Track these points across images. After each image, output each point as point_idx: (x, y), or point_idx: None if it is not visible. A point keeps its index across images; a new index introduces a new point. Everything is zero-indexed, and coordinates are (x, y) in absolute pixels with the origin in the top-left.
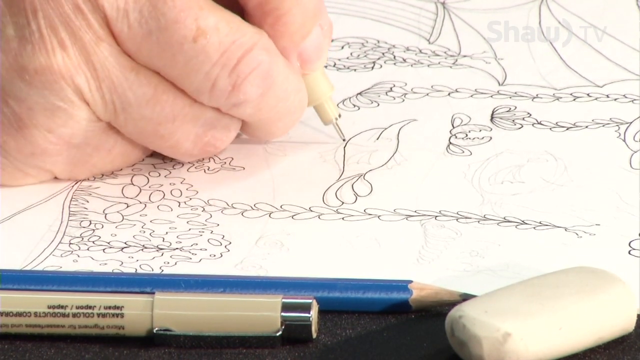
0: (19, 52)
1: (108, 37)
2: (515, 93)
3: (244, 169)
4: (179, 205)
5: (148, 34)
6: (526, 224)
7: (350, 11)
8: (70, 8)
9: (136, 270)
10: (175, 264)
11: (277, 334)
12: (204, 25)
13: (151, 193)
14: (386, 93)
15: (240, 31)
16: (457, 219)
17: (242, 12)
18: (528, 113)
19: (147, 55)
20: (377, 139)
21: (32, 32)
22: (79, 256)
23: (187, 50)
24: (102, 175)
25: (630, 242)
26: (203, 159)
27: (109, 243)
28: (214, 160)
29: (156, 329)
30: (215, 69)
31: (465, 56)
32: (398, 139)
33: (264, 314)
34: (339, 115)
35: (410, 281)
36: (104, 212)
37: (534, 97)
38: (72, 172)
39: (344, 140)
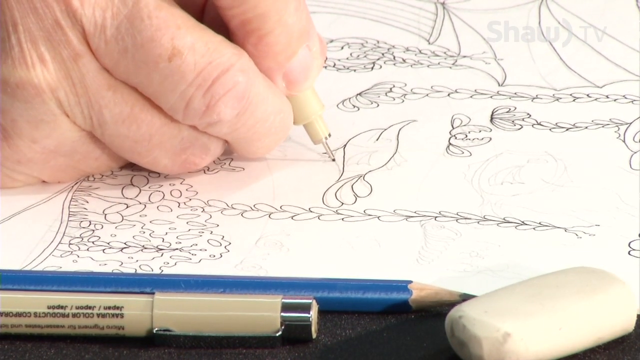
0: (0, 66)
1: (87, 53)
2: (515, 94)
3: (243, 169)
4: (178, 206)
5: (124, 51)
6: (526, 224)
7: (350, 11)
8: (50, 23)
9: (136, 270)
10: (175, 264)
11: (277, 334)
12: (180, 44)
13: (151, 194)
14: (386, 94)
15: (218, 52)
16: (456, 220)
17: (227, 31)
18: (528, 114)
19: (123, 72)
20: (377, 139)
21: (12, 46)
22: (78, 256)
23: (163, 69)
24: (102, 175)
25: (630, 242)
26: None
27: (108, 243)
28: (214, 160)
29: (156, 329)
30: (190, 89)
31: (465, 57)
32: (398, 139)
33: (263, 314)
34: (329, 135)
35: (410, 281)
36: (103, 212)
37: (534, 98)
38: (60, 177)
39: (333, 160)
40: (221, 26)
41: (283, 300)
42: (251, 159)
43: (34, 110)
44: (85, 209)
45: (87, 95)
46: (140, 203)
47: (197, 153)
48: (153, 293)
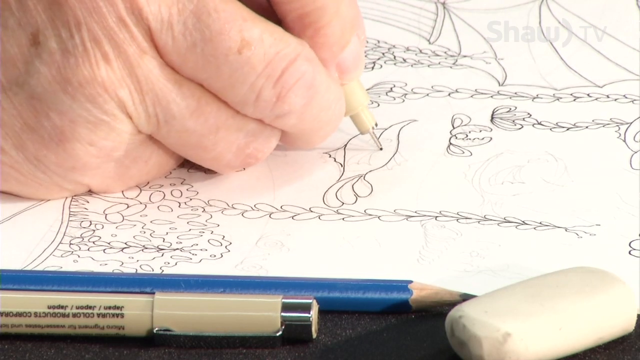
0: (62, 65)
1: (151, 49)
2: (516, 93)
3: (244, 169)
4: (179, 206)
5: (192, 46)
6: (526, 224)
7: None
8: (114, 21)
9: (136, 270)
10: (176, 264)
11: (277, 334)
12: (249, 36)
13: (151, 193)
14: (386, 93)
15: (284, 42)
16: (457, 220)
17: (280, 24)
18: (528, 113)
19: (191, 67)
20: (378, 139)
21: (75, 45)
22: (79, 256)
23: (232, 61)
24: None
25: (631, 242)
26: None
27: (109, 243)
28: None
29: (156, 329)
30: (260, 80)
31: (465, 56)
32: (398, 139)
33: (264, 314)
34: (376, 124)
35: (411, 281)
36: (104, 212)
37: (534, 98)
38: (109, 185)
39: (380, 149)
40: (272, 19)
41: (283, 300)
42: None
43: (94, 110)
44: (85, 209)
45: (153, 92)
46: (141, 203)
47: (260, 146)
48: (153, 293)
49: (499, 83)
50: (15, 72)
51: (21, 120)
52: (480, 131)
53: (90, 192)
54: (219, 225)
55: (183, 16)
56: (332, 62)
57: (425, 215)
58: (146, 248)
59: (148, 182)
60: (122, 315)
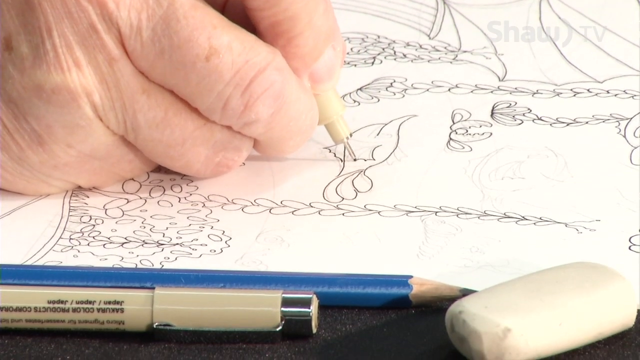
0: (33, 71)
1: (122, 56)
2: (516, 89)
3: (244, 164)
4: (179, 201)
5: (161, 52)
6: (526, 219)
7: (351, 6)
8: (85, 27)
9: (136, 265)
10: (176, 259)
11: (277, 329)
12: (217, 44)
13: (151, 189)
14: (386, 89)
15: (254, 50)
16: (457, 215)
17: (255, 31)
18: (528, 109)
19: (160, 74)
20: (378, 134)
21: (46, 51)
22: (79, 251)
23: (200, 69)
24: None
25: (631, 237)
26: None
27: (109, 238)
28: None
29: (156, 324)
30: (228, 88)
31: (465, 52)
32: (398, 134)
33: (264, 309)
34: (350, 135)
35: (411, 276)
36: (104, 207)
37: (534, 93)
38: (96, 181)
39: (355, 160)
40: (247, 26)
41: (283, 295)
42: (253, 154)
43: (69, 115)
44: (85, 204)
45: (121, 100)
46: (141, 198)
47: (230, 155)
48: (153, 288)
49: (499, 78)
50: None
51: (1, 122)
52: (480, 126)
53: (81, 187)
54: (219, 220)
55: (152, 22)
56: (305, 72)
57: (425, 211)
58: (146, 243)
59: (148, 177)
60: (122, 310)
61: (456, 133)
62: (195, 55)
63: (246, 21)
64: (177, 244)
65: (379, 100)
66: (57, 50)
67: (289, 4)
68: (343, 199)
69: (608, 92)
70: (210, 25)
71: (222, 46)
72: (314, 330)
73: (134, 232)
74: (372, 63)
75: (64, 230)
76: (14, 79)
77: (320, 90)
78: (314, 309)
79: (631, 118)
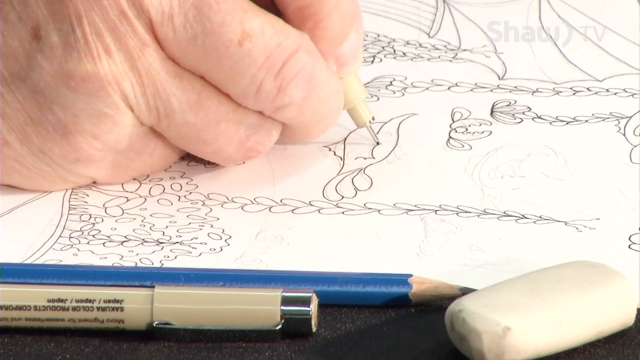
0: (64, 59)
1: (153, 42)
2: (515, 87)
3: (244, 162)
4: (179, 199)
5: (193, 38)
6: (526, 218)
7: None
8: (116, 14)
9: (136, 264)
10: (175, 257)
11: (277, 328)
12: (250, 28)
13: (151, 187)
14: (386, 87)
15: (285, 34)
16: (457, 213)
17: (281, 15)
18: (528, 107)
19: (192, 60)
20: (377, 133)
21: (77, 39)
22: (79, 250)
23: (233, 54)
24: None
25: (630, 236)
26: None
27: (109, 237)
28: None
29: (156, 322)
30: (261, 72)
31: (465, 50)
32: (398, 133)
33: (263, 308)
34: (373, 118)
35: (410, 275)
36: (104, 205)
37: (534, 92)
38: (113, 177)
39: (378, 143)
40: (271, 10)
41: (283, 293)
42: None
43: (98, 103)
44: (85, 202)
45: (153, 85)
46: (141, 196)
47: (261, 140)
48: (153, 286)
49: (498, 77)
50: (17, 66)
51: (25, 113)
52: (480, 125)
53: (93, 183)
54: (218, 218)
55: (184, 8)
56: (332, 55)
57: (425, 209)
58: (146, 241)
59: (148, 175)
60: (121, 309)
61: (456, 131)
62: (229, 40)
63: (272, 6)
64: (177, 242)
65: (378, 98)
66: (87, 38)
67: None
68: (343, 197)
69: (608, 90)
70: (241, 10)
71: (255, 30)
72: (314, 328)
73: (133, 230)
74: (372, 61)
75: (64, 228)
76: (42, 68)
77: (346, 73)
78: (313, 308)
79: (631, 116)
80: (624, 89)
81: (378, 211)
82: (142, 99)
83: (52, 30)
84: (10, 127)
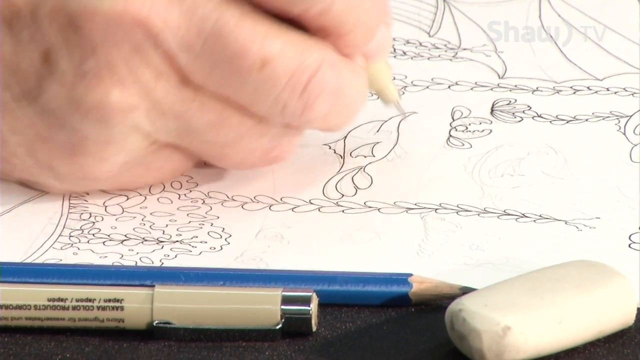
0: (74, 86)
1: (168, 71)
2: (516, 86)
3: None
4: (179, 198)
5: (214, 66)
6: (526, 217)
7: None
8: (130, 47)
9: (136, 263)
10: (176, 256)
11: (277, 327)
12: (269, 52)
13: (151, 185)
14: None
15: (307, 51)
16: (457, 212)
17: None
18: (528, 106)
19: (214, 85)
20: (377, 131)
21: (89, 70)
22: (79, 249)
23: (255, 78)
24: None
25: (631, 235)
26: None
27: (109, 236)
28: None
29: (156, 322)
30: (285, 93)
31: (465, 49)
32: (398, 131)
33: (263, 307)
34: (402, 93)
35: (410, 274)
36: (104, 204)
37: (534, 90)
38: (121, 189)
39: (405, 114)
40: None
41: (283, 293)
42: None
43: (107, 130)
44: (85, 201)
45: (172, 111)
46: (141, 195)
47: (285, 148)
48: (153, 286)
49: (498, 76)
50: (28, 84)
51: (34, 130)
52: (480, 123)
53: None
54: (218, 217)
55: (202, 37)
56: (357, 54)
57: (425, 208)
58: (146, 240)
59: None
60: (121, 308)
61: (456, 130)
62: (249, 66)
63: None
64: (177, 241)
65: (378, 97)
66: (100, 69)
67: (332, 10)
68: (343, 195)
69: (608, 89)
70: (260, 35)
71: (274, 54)
72: (314, 328)
73: (133, 229)
74: None
75: (64, 227)
76: (52, 91)
77: (374, 63)
78: (313, 307)
79: (631, 115)
80: (624, 88)
81: (378, 209)
82: (159, 122)
83: (63, 56)
84: (20, 141)
